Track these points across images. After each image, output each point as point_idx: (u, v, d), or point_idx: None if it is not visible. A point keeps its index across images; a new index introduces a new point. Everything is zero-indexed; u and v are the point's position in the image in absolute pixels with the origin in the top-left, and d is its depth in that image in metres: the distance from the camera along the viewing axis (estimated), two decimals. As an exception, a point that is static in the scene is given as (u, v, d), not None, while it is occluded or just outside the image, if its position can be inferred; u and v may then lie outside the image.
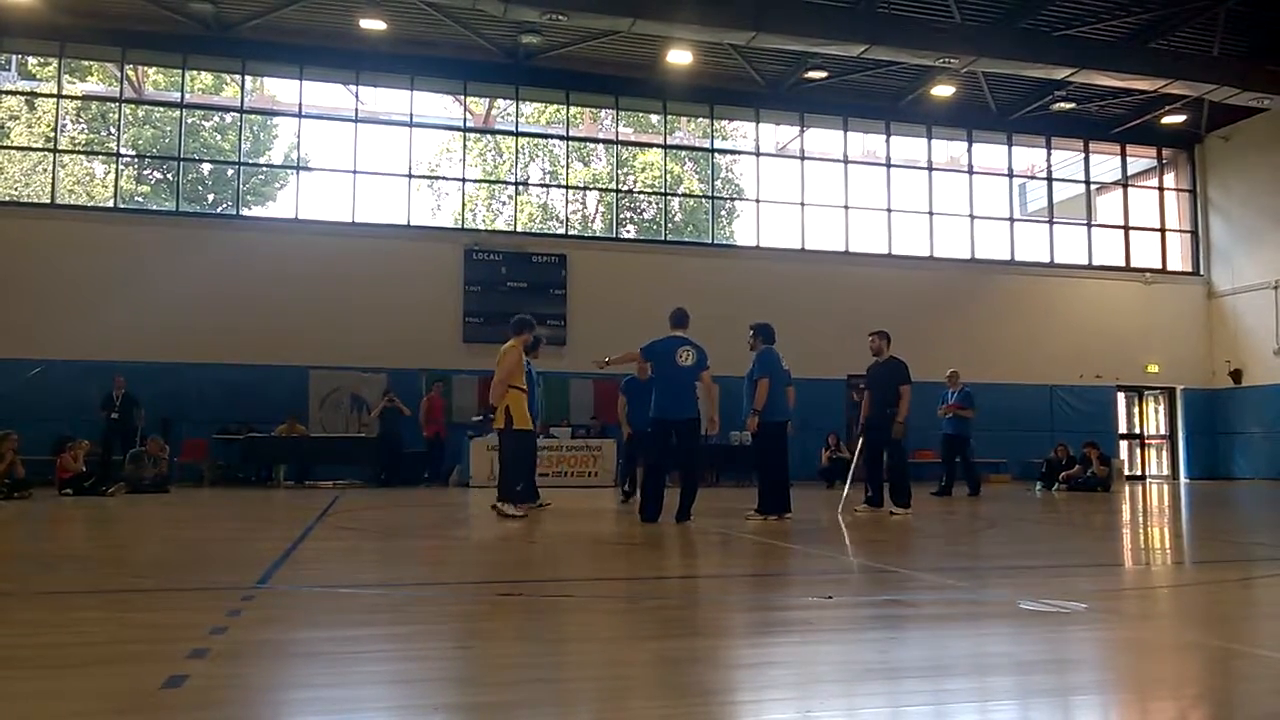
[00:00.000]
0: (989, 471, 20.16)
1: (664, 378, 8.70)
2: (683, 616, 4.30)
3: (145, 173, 25.21)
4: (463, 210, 21.09)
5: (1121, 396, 22.87)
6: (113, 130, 20.28)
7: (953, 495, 13.49)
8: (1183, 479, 22.37)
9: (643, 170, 24.95)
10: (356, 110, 19.40)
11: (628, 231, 23.96)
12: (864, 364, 10.87)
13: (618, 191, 22.80)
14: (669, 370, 8.63)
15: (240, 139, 20.00)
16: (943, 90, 20.21)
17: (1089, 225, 23.01)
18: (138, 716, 2.49)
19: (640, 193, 24.77)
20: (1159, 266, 23.20)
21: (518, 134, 21.98)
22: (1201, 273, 23.24)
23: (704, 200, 23.97)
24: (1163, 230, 23.44)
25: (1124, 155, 23.24)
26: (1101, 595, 4.79)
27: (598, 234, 23.12)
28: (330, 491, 14.64)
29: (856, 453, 12.05)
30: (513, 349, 9.27)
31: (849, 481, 12.49)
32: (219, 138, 24.88)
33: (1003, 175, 22.62)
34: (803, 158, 21.29)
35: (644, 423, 11.83)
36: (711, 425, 9.05)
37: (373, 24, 17.59)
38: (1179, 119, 21.92)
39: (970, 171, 22.31)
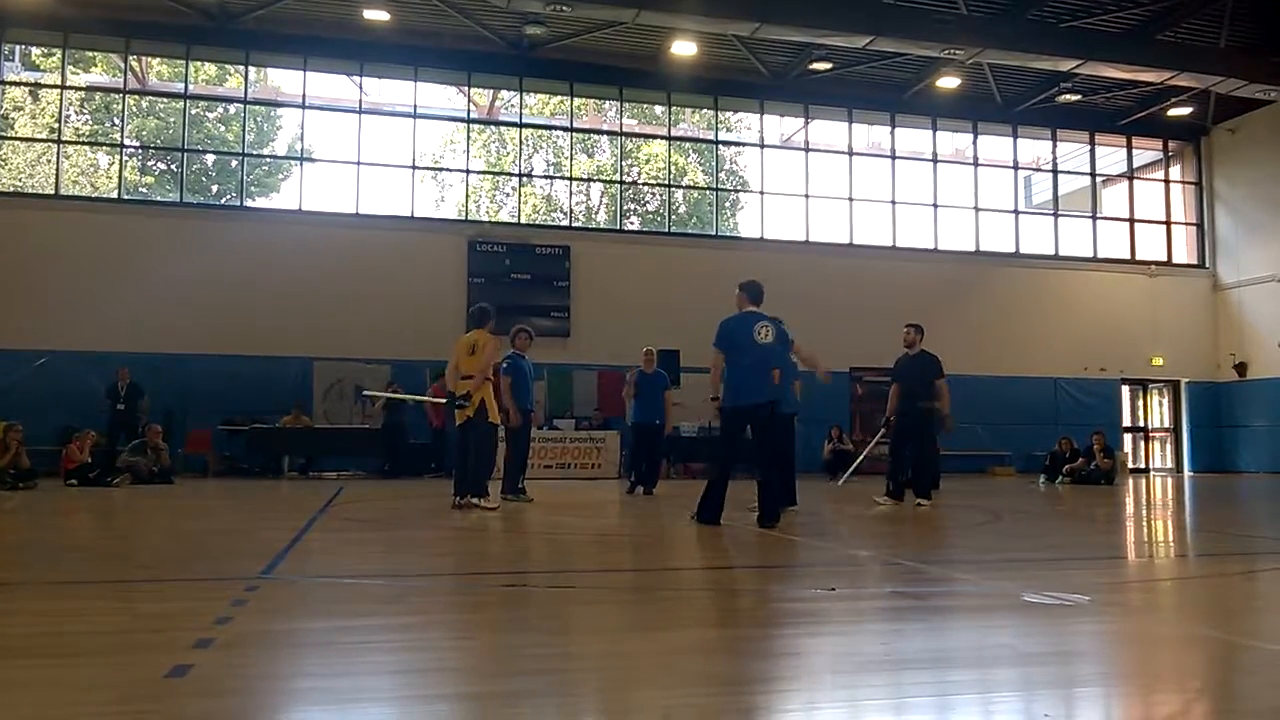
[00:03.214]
0: (993, 464, 20.20)
1: (743, 359, 7.61)
2: (687, 608, 4.31)
3: (149, 164, 25.16)
4: (466, 202, 21.06)
5: (1126, 389, 22.83)
6: (117, 121, 20.26)
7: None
8: (1187, 472, 22.33)
9: (647, 162, 24.87)
10: (360, 101, 19.35)
11: (631, 223, 23.89)
12: (868, 356, 10.88)
13: (621, 183, 22.76)
14: (749, 350, 7.57)
15: (244, 130, 19.97)
16: (948, 82, 20.11)
17: (1094, 218, 22.92)
18: (143, 705, 2.50)
19: (644, 184, 24.71)
20: (1164, 259, 23.11)
21: (521, 125, 21.97)
22: (1207, 265, 23.16)
23: (708, 192, 23.91)
24: (1168, 223, 23.35)
25: (1130, 147, 23.14)
26: (1105, 588, 4.79)
27: (601, 226, 23.05)
28: (335, 482, 14.67)
29: (874, 442, 11.90)
30: (490, 339, 8.95)
31: (850, 470, 12.43)
32: (223, 129, 24.81)
33: (1008, 167, 22.52)
34: (807, 149, 21.22)
35: (645, 417, 11.87)
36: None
37: (376, 15, 17.56)
38: (1185, 111, 21.81)
39: (975, 164, 22.24)
